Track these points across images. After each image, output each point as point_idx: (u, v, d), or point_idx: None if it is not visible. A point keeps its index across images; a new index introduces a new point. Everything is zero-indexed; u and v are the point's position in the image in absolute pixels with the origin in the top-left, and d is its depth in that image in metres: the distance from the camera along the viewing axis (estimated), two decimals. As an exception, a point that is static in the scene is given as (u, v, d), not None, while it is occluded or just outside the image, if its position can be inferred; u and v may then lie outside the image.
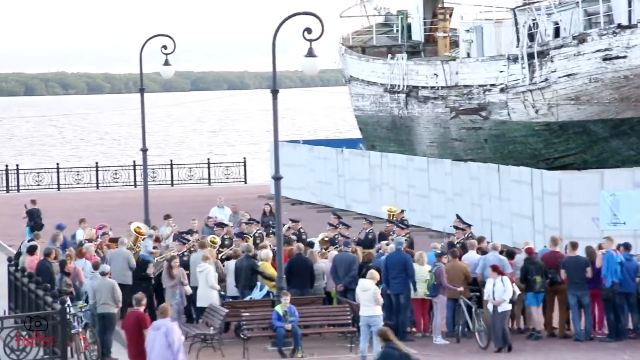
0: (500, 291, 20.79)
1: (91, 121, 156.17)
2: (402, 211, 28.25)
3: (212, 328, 21.14)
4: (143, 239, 25.41)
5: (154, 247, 24.63)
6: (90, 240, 25.47)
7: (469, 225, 25.39)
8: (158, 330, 16.49)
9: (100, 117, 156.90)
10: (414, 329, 22.34)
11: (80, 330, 20.25)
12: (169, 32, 31.28)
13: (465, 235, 24.45)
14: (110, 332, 20.88)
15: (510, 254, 22.65)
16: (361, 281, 20.16)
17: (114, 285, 21.01)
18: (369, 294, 19.84)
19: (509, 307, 20.82)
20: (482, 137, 37.99)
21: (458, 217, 26.29)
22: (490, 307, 20.78)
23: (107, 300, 20.79)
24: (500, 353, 20.73)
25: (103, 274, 21.14)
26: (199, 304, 22.25)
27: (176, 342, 16.40)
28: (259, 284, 22.62)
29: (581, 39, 33.79)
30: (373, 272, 20.24)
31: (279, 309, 20.85)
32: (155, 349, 16.41)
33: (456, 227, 25.23)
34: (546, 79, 34.82)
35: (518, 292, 21.11)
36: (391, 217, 27.42)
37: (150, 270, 23.07)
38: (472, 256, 22.81)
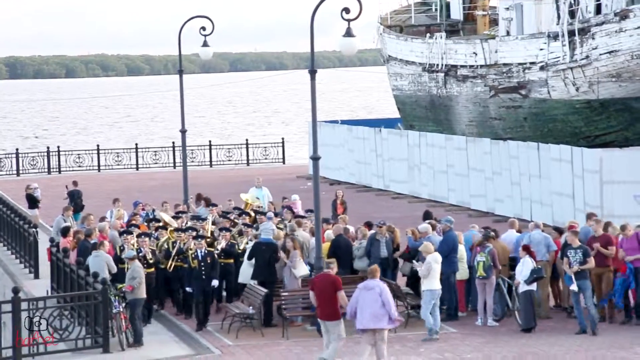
0: (518, 271, 20.75)
1: (130, 103, 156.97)
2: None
3: (251, 307, 21.20)
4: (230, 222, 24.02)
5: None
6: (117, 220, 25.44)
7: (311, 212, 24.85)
8: (371, 290, 17.61)
9: (139, 99, 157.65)
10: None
11: (121, 309, 20.39)
12: (207, 14, 31.30)
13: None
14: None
15: (558, 230, 22.51)
16: (436, 254, 20.26)
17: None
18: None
19: (529, 287, 20.60)
20: (521, 116, 37.73)
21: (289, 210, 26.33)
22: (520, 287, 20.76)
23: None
24: (540, 332, 20.63)
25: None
26: (240, 280, 22.29)
27: (390, 301, 17.61)
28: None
29: (623, 15, 33.40)
30: (428, 245, 20.43)
31: (318, 288, 20.83)
32: (367, 306, 17.54)
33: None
34: (587, 56, 34.47)
35: (545, 274, 20.92)
36: (246, 207, 26.82)
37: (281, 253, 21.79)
38: (511, 235, 22.72)
